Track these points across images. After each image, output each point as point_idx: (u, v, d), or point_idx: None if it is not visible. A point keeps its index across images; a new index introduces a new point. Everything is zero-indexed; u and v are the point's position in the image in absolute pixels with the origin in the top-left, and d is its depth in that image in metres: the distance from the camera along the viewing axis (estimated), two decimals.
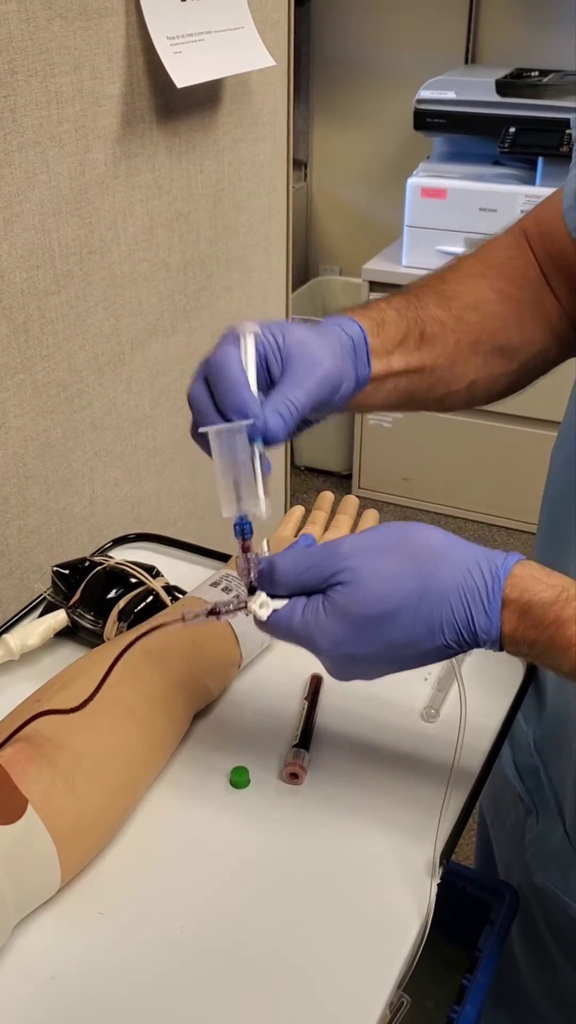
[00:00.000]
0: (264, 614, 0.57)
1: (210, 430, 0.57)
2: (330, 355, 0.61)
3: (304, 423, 0.65)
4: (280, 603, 0.57)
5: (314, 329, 0.63)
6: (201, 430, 0.58)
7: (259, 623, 0.58)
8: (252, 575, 0.58)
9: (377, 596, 0.54)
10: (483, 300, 0.70)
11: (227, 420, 0.58)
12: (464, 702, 0.70)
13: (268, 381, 0.60)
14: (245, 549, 0.59)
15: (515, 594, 0.54)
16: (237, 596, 0.59)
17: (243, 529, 0.59)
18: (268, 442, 0.58)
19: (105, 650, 0.70)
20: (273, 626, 0.57)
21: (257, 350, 0.60)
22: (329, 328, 0.65)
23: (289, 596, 0.57)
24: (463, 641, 0.55)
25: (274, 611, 0.57)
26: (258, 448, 0.58)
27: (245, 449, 0.58)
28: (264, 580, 0.58)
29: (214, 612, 0.59)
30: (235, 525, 0.59)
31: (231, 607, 0.59)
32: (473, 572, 0.54)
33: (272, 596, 0.57)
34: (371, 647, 0.55)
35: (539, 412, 2.43)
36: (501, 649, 0.55)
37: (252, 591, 0.58)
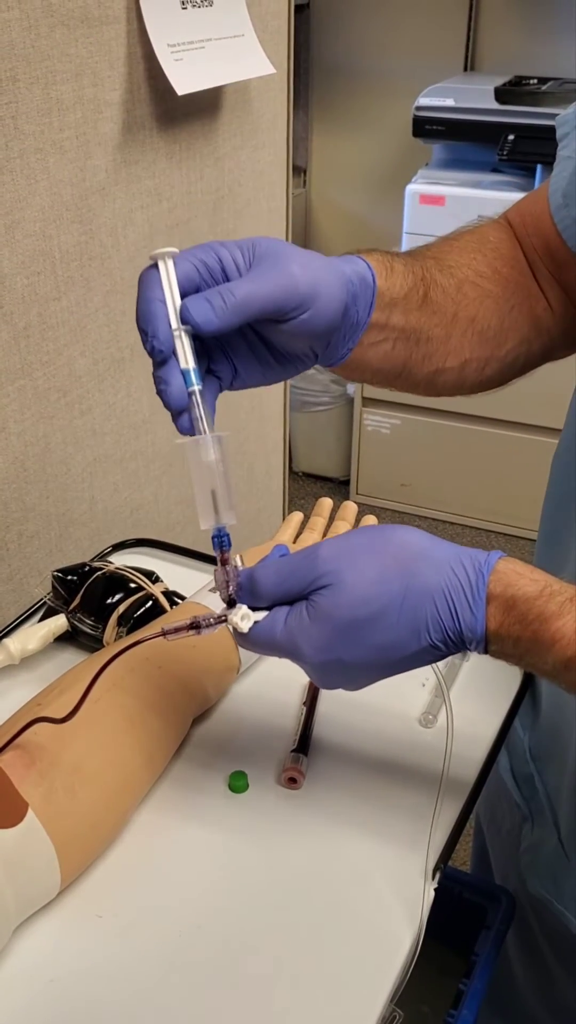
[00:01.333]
0: (245, 626, 0.56)
1: (185, 441, 0.56)
2: (306, 265, 0.57)
3: (289, 359, 0.61)
4: (261, 615, 0.56)
5: (303, 250, 0.60)
6: (177, 442, 0.57)
7: (240, 637, 0.57)
8: (231, 588, 0.57)
9: (361, 599, 0.53)
10: (482, 275, 0.69)
11: (158, 363, 0.55)
12: (450, 711, 0.70)
13: None
14: (223, 561, 0.57)
15: (499, 589, 0.53)
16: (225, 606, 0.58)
17: (221, 541, 0.58)
18: (197, 330, 0.54)
19: (103, 655, 0.71)
20: (255, 638, 0.56)
21: (196, 269, 0.56)
22: (331, 259, 0.61)
23: (270, 608, 0.56)
24: (449, 640, 0.54)
25: (255, 623, 0.56)
26: (187, 341, 0.55)
27: (221, 458, 0.56)
28: (244, 593, 0.57)
29: (195, 626, 0.58)
30: (213, 537, 0.58)
31: (212, 620, 0.58)
32: (456, 570, 0.54)
33: (253, 609, 0.56)
34: (357, 651, 0.54)
35: (538, 419, 2.43)
36: (486, 650, 0.55)
37: (232, 604, 0.57)
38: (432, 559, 0.54)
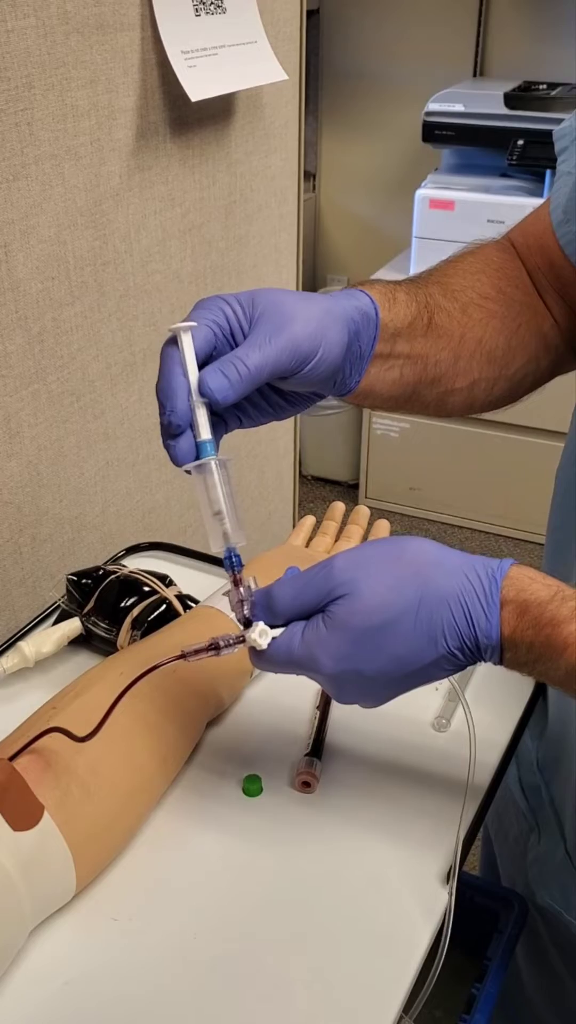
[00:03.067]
0: (264, 642, 0.56)
1: (191, 467, 0.58)
2: (307, 320, 0.59)
3: (300, 398, 0.64)
4: (278, 632, 0.56)
5: (301, 295, 0.61)
6: (185, 468, 0.58)
7: (256, 656, 0.57)
8: (246, 608, 0.58)
9: (377, 606, 0.54)
10: (486, 297, 0.69)
11: (178, 435, 0.58)
12: (469, 714, 0.70)
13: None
14: (236, 582, 0.58)
15: (512, 593, 0.54)
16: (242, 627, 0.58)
17: (232, 562, 0.58)
18: (215, 404, 0.57)
19: (118, 659, 0.71)
20: (273, 654, 0.56)
21: (212, 332, 0.58)
22: (329, 298, 0.62)
23: (286, 624, 0.57)
24: (466, 647, 0.54)
25: (273, 639, 0.56)
26: (204, 413, 0.57)
27: (227, 480, 0.58)
28: (261, 611, 0.57)
29: (214, 647, 0.58)
30: (225, 559, 0.58)
31: (232, 640, 0.58)
32: (470, 576, 0.54)
33: (270, 627, 0.57)
34: (374, 661, 0.54)
35: (546, 423, 2.43)
36: (501, 660, 0.55)
37: (247, 624, 0.57)
38: (445, 566, 0.55)
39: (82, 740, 0.58)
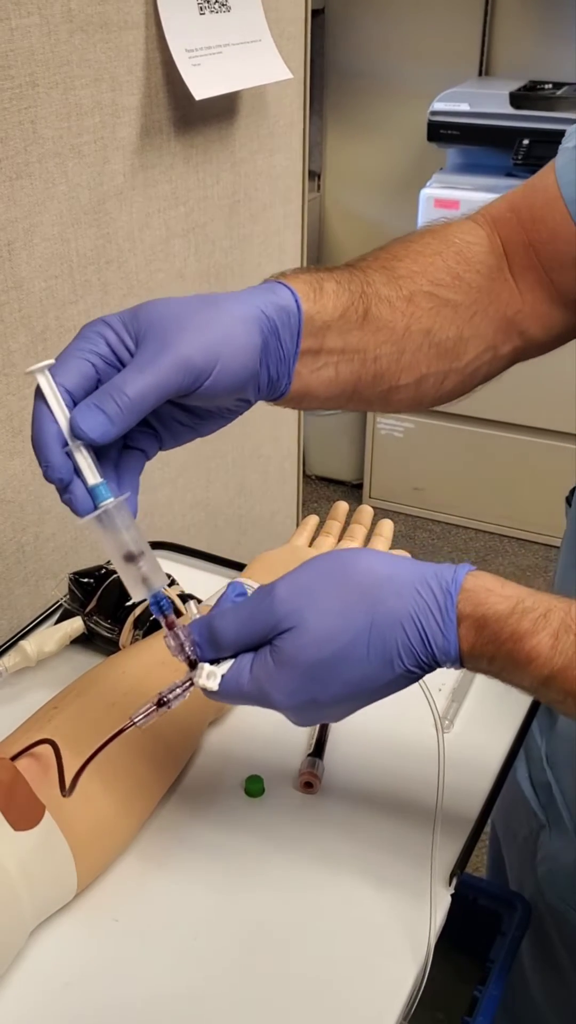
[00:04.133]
0: (213, 684, 0.53)
1: (88, 519, 0.52)
2: (199, 328, 0.52)
3: (224, 409, 0.57)
4: (225, 667, 0.53)
5: (198, 300, 0.55)
6: (80, 523, 0.53)
7: (211, 695, 0.54)
8: (188, 649, 0.54)
9: (325, 638, 0.51)
10: (438, 283, 0.64)
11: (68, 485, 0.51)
12: (437, 718, 0.70)
13: None
14: (170, 625, 0.54)
15: (469, 608, 0.51)
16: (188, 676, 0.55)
17: (161, 607, 0.54)
18: (93, 444, 0.51)
19: (120, 659, 0.71)
20: (223, 692, 0.53)
21: (91, 365, 0.52)
22: (234, 297, 0.56)
23: (234, 656, 0.54)
24: (423, 664, 0.52)
25: (222, 677, 0.53)
26: (87, 456, 0.51)
27: (130, 523, 0.53)
28: (204, 645, 0.54)
29: (162, 703, 0.55)
30: (152, 605, 0.54)
31: (178, 690, 0.55)
32: (423, 592, 0.51)
33: (218, 661, 0.54)
34: (329, 689, 0.52)
35: (552, 423, 2.43)
36: (462, 667, 0.53)
37: (193, 665, 0.54)
38: (396, 583, 0.52)
39: (64, 794, 0.56)
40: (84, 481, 0.52)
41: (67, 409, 0.51)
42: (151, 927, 0.59)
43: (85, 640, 0.81)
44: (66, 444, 0.51)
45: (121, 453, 0.56)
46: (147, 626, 0.77)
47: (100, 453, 0.53)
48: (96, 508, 0.52)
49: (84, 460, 0.52)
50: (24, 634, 0.82)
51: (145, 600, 0.78)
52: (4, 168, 0.88)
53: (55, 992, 0.56)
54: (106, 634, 0.79)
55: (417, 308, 0.63)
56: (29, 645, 0.78)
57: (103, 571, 0.82)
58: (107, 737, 0.56)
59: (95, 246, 1.03)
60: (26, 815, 0.56)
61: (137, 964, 0.57)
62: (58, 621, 0.82)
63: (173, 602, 0.56)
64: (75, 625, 0.80)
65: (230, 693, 0.54)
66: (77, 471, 0.52)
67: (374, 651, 0.51)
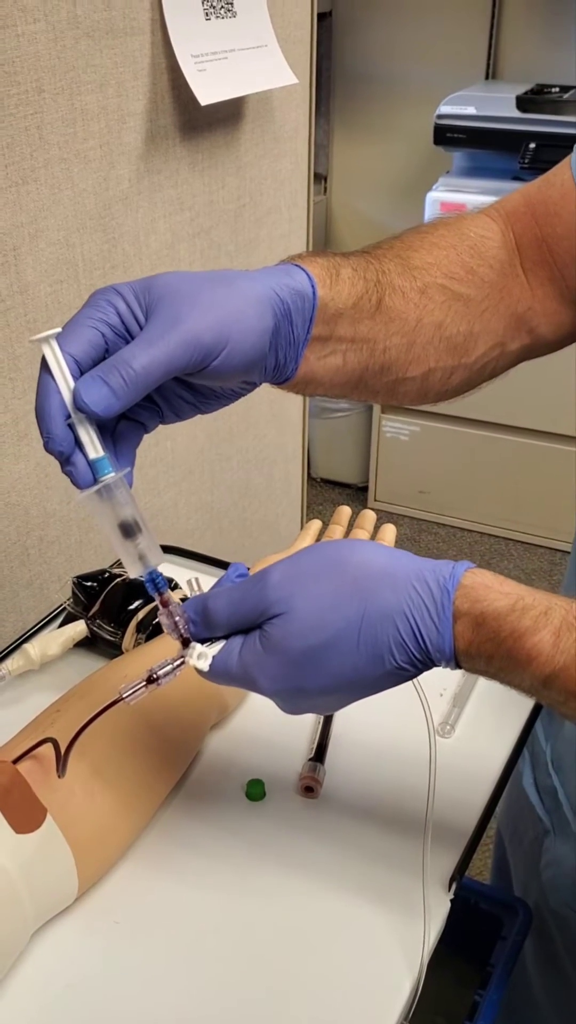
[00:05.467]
0: (204, 664, 0.53)
1: (86, 495, 0.51)
2: (211, 306, 0.51)
3: (226, 389, 0.56)
4: (217, 647, 0.53)
5: (211, 276, 0.53)
6: (78, 500, 0.52)
7: (201, 675, 0.54)
8: (181, 627, 0.54)
9: (313, 627, 0.50)
10: (452, 277, 0.63)
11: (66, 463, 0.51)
12: (433, 750, 0.70)
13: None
14: (164, 603, 0.54)
15: (466, 605, 0.50)
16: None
17: (156, 584, 0.54)
18: (96, 417, 0.50)
19: (123, 663, 0.71)
20: (212, 672, 0.53)
21: (100, 334, 0.51)
22: (249, 276, 0.55)
23: (227, 637, 0.53)
24: (416, 661, 0.51)
25: (213, 658, 0.53)
26: (89, 429, 0.51)
27: (128, 498, 0.52)
28: (198, 624, 0.54)
29: (152, 680, 0.55)
30: (147, 582, 0.54)
31: (169, 667, 0.55)
32: (419, 587, 0.50)
33: (211, 640, 0.54)
34: (315, 680, 0.51)
35: (558, 427, 2.43)
36: (458, 667, 0.51)
37: (186, 643, 0.54)
38: (391, 577, 0.51)
39: (60, 776, 0.57)
40: (85, 454, 0.51)
41: (72, 379, 0.50)
42: (152, 930, 0.60)
43: (88, 644, 0.81)
44: (69, 416, 0.50)
45: (119, 424, 0.55)
46: (150, 630, 0.77)
47: (99, 424, 0.52)
48: (96, 482, 0.52)
49: (86, 433, 0.51)
50: (28, 637, 0.83)
51: (147, 604, 0.79)
52: (10, 173, 0.89)
53: (56, 994, 0.56)
54: (109, 638, 0.79)
55: (430, 301, 0.62)
56: (33, 648, 0.78)
57: (106, 575, 0.82)
58: (97, 711, 0.56)
59: (101, 251, 1.03)
60: (28, 818, 0.57)
61: (138, 966, 0.58)
62: (62, 624, 0.83)
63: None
64: (78, 629, 0.81)
65: (219, 674, 0.53)
66: (79, 443, 0.51)
67: (364, 644, 0.50)
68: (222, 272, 0.54)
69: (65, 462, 0.51)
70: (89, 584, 0.81)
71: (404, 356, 0.62)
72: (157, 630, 0.77)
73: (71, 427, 0.51)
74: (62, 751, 0.58)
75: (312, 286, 0.57)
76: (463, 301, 0.63)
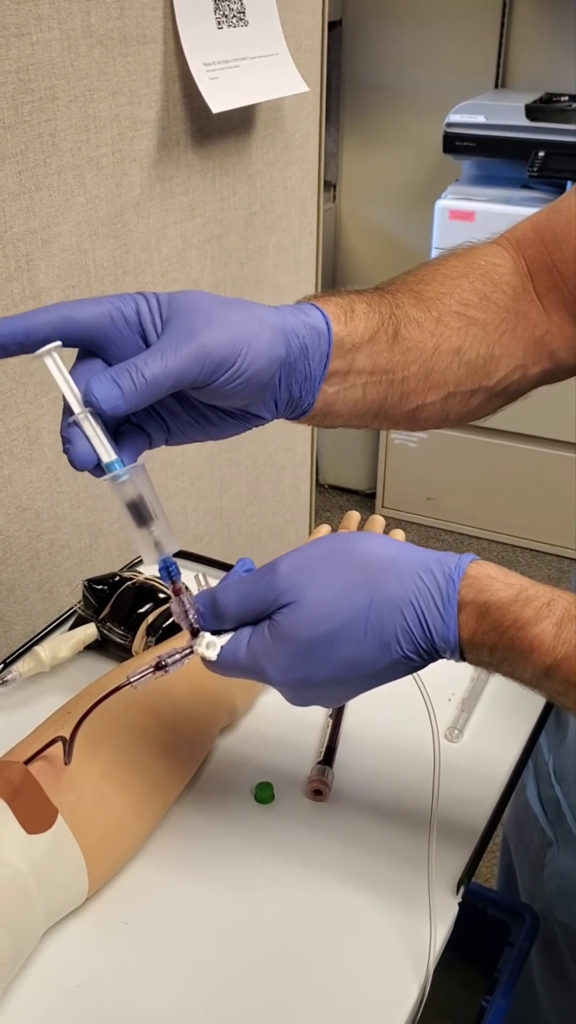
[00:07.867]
0: (212, 654, 0.54)
1: (106, 479, 0.53)
2: (225, 325, 0.53)
3: (234, 416, 0.58)
4: (226, 638, 0.54)
5: (228, 300, 0.55)
6: (102, 478, 0.53)
7: (208, 664, 0.55)
8: (191, 616, 0.55)
9: (323, 615, 0.51)
10: (467, 304, 0.64)
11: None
12: (434, 719, 0.70)
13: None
14: (177, 591, 0.55)
15: (471, 595, 0.51)
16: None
17: (170, 572, 0.55)
18: (102, 414, 0.51)
19: (132, 665, 0.71)
20: (221, 662, 0.54)
21: (110, 316, 0.53)
22: (265, 307, 0.57)
23: (235, 629, 0.54)
24: (422, 650, 0.52)
25: (221, 648, 0.54)
26: (96, 425, 0.52)
27: (148, 488, 0.54)
28: (208, 616, 0.55)
29: (160, 667, 0.56)
30: (161, 569, 0.55)
31: (177, 655, 0.56)
32: (424, 577, 0.51)
33: (219, 632, 0.55)
34: (324, 669, 0.52)
35: (567, 435, 2.43)
36: (462, 658, 0.52)
37: (195, 633, 0.55)
38: (398, 567, 0.52)
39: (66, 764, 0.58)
40: (94, 447, 0.53)
41: (76, 386, 0.53)
42: (160, 931, 0.60)
43: (99, 646, 0.82)
44: (71, 416, 0.52)
45: (123, 427, 0.56)
46: (160, 633, 0.78)
47: (104, 424, 0.53)
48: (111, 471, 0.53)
49: (91, 428, 0.52)
50: (38, 640, 0.83)
51: (157, 607, 0.79)
52: (24, 180, 0.90)
53: (66, 994, 0.56)
54: (119, 640, 0.80)
55: (446, 328, 0.63)
56: (43, 651, 0.79)
57: (117, 578, 0.82)
58: (101, 695, 0.58)
59: (112, 257, 1.04)
60: (39, 818, 0.57)
61: (147, 968, 0.58)
62: (72, 627, 0.83)
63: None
64: (89, 631, 0.81)
65: (227, 664, 0.54)
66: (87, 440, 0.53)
67: (371, 633, 0.51)
68: (243, 300, 0.56)
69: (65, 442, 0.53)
70: (100, 587, 0.82)
71: (423, 383, 0.63)
72: (167, 633, 0.78)
73: (76, 424, 0.52)
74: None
75: (327, 323, 0.58)
76: (480, 325, 0.64)
